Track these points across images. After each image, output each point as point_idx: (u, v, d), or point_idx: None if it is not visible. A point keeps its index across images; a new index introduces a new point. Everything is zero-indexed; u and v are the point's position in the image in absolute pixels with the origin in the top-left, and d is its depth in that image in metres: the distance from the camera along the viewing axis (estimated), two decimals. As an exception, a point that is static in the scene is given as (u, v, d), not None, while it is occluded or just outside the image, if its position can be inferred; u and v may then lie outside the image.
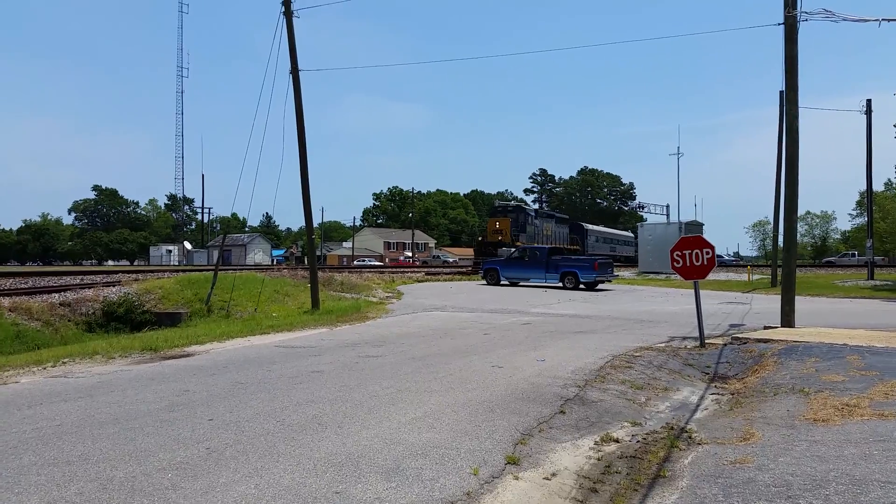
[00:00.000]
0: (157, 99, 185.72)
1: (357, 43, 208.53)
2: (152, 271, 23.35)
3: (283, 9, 17.44)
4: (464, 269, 46.55)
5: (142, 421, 5.81)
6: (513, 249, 39.13)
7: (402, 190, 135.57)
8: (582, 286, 26.66)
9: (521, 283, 28.61)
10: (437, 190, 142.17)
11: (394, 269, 40.31)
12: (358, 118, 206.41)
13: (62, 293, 16.27)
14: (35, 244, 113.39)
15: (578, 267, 27.15)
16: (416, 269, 42.77)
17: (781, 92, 26.33)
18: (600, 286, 27.72)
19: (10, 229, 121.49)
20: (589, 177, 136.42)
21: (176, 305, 17.11)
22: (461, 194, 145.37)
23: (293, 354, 9.99)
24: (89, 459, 4.67)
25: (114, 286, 17.68)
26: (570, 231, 59.82)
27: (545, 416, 6.13)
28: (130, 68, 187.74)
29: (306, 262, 40.30)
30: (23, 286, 16.79)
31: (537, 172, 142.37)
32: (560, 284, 27.13)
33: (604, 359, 9.38)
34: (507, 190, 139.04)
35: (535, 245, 42.00)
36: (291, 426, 5.63)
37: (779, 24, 12.65)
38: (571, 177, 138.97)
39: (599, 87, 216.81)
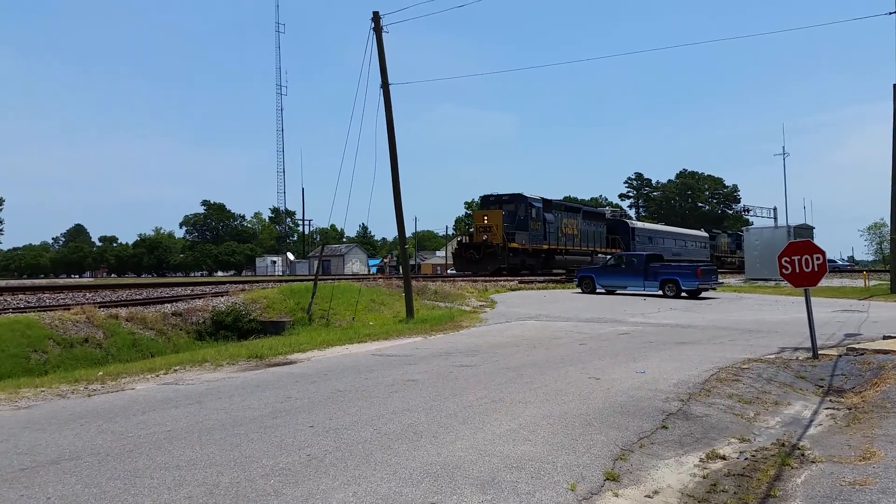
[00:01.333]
0: (257, 117, 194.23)
1: (444, 54, 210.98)
2: (257, 281, 24.34)
3: (373, 25, 17.83)
4: (557, 278, 38.92)
5: (247, 427, 6.03)
6: (609, 257, 34.99)
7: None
8: (683, 294, 25.72)
9: (617, 292, 27.95)
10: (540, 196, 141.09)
11: (487, 278, 35.45)
12: (447, 128, 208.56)
13: (174, 303, 17.20)
14: (150, 257, 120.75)
15: (679, 274, 26.21)
16: (509, 278, 37.00)
17: (895, 85, 24.61)
18: (703, 294, 26.67)
19: (127, 243, 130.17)
20: (688, 180, 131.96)
21: (279, 314, 17.75)
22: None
23: (389, 363, 10.13)
24: (197, 465, 4.88)
25: (222, 296, 18.54)
26: (609, 230, 49.59)
27: (646, 431, 5.92)
28: (232, 89, 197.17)
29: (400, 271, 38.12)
30: (138, 297, 17.88)
31: (633, 176, 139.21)
32: (660, 293, 26.29)
33: (708, 371, 8.99)
34: (601, 195, 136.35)
35: (633, 252, 37.10)
36: (388, 434, 5.70)
37: (890, 14, 11.82)
38: (669, 180, 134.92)
39: (696, 87, 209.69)
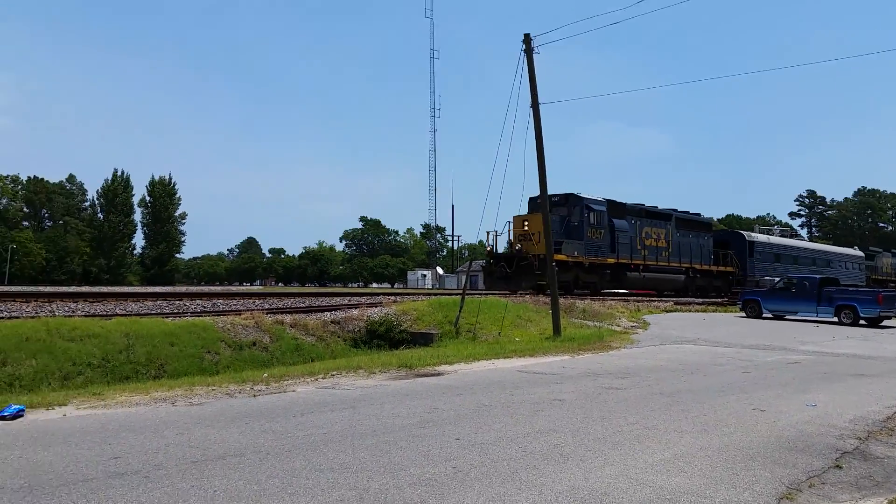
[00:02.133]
0: (411, 138, 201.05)
1: (595, 71, 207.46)
2: (408, 294, 25.10)
3: (524, 47, 17.89)
4: (718, 300, 36.43)
5: (396, 435, 6.17)
6: (776, 280, 29.88)
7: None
8: (862, 322, 23.41)
9: (786, 317, 25.94)
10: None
11: (639, 297, 33.66)
12: (597, 146, 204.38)
13: (333, 312, 18.10)
14: (313, 268, 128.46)
15: (858, 300, 23.90)
16: (663, 298, 34.90)
17: None
18: (884, 322, 24.12)
19: (293, 255, 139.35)
20: (868, 198, 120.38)
21: (428, 326, 18.14)
22: (715, 219, 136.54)
23: (535, 380, 10.00)
24: (349, 469, 5.04)
25: (376, 307, 19.27)
26: (718, 243, 41.19)
27: (816, 470, 5.39)
28: (389, 113, 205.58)
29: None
30: (301, 305, 18.98)
31: (804, 194, 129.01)
32: (834, 319, 24.09)
33: (891, 408, 8.07)
34: (768, 213, 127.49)
35: (805, 275, 30.88)
36: (533, 454, 5.60)
37: None
38: (846, 198, 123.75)
39: (873, 99, 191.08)
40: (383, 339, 17.13)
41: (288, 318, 16.22)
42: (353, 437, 6.10)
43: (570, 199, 31.48)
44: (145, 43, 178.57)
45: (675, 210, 38.33)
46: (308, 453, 5.47)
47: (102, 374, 11.45)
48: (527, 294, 28.11)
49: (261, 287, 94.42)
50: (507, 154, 17.19)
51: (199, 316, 15.44)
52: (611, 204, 33.30)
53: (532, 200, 31.83)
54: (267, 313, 16.24)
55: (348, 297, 22.21)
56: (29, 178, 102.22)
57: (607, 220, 32.40)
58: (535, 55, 17.91)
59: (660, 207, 37.22)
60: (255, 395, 8.41)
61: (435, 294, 25.31)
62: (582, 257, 30.81)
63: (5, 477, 4.70)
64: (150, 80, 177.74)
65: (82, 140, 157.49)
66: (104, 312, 14.94)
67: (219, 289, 44.49)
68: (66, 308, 15.32)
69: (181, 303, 18.31)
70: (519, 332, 18.13)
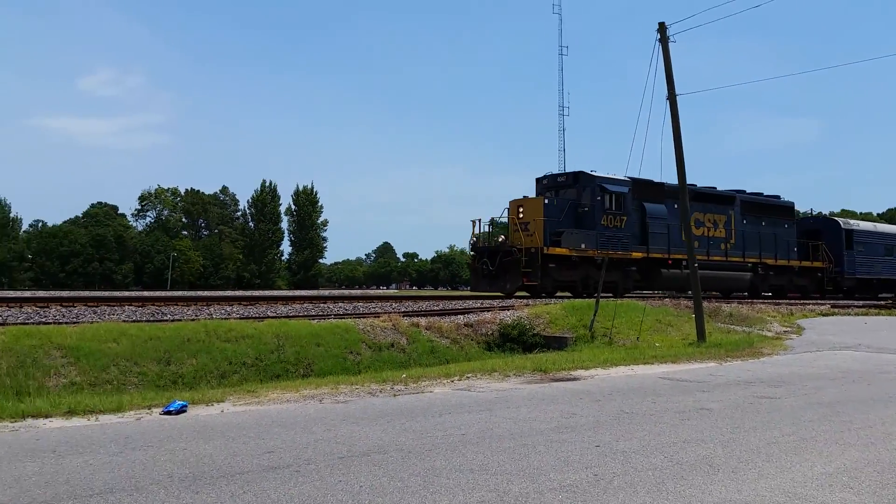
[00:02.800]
0: (539, 138, 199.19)
1: (735, 58, 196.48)
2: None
3: (659, 36, 17.22)
4: (882, 303, 30.85)
5: (533, 439, 6.11)
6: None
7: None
8: None
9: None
10: (842, 210, 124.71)
11: (791, 301, 29.80)
12: (738, 137, 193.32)
13: (465, 315, 18.29)
14: (444, 271, 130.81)
15: None
16: (819, 301, 30.38)
17: None
18: None
19: (426, 259, 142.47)
20: None
21: (562, 330, 17.90)
22: (874, 213, 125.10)
23: (678, 388, 9.59)
24: (488, 470, 5.05)
25: (508, 310, 19.26)
26: (804, 232, 34.53)
27: None
28: (515, 112, 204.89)
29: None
30: (435, 308, 19.34)
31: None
32: None
33: None
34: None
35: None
36: (680, 463, 5.35)
37: None
38: None
39: None
40: (516, 342, 17.08)
41: (423, 321, 16.56)
42: (491, 439, 6.10)
43: (580, 179, 26.14)
44: (278, 58, 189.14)
45: (742, 191, 31.78)
46: (447, 453, 5.54)
47: (255, 373, 12.20)
48: (667, 298, 26.42)
49: (396, 290, 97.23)
50: (643, 150, 16.61)
51: (341, 318, 16.10)
52: (638, 184, 26.99)
53: (539, 182, 27.56)
54: (403, 316, 16.67)
55: (480, 301, 22.35)
56: (187, 190, 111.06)
57: (633, 205, 26.64)
58: (670, 44, 17.24)
59: (720, 188, 30.98)
60: (395, 395, 8.64)
61: (567, 297, 24.92)
62: (592, 251, 25.10)
63: (173, 467, 5.10)
64: (287, 92, 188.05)
65: (233, 153, 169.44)
66: (256, 315, 15.93)
67: (358, 292, 45.99)
68: (223, 311, 16.47)
69: (325, 305, 19.18)
70: (659, 337, 17.48)
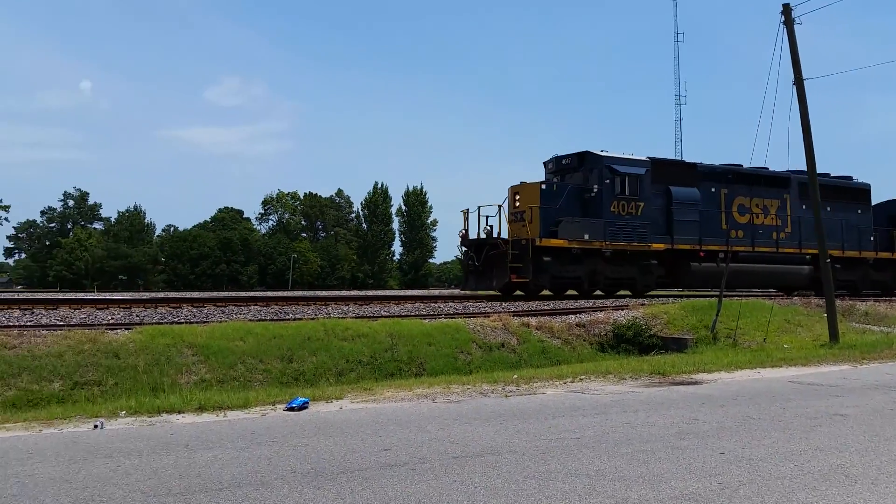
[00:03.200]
0: (653, 129, 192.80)
1: (870, 38, 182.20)
2: (658, 296, 24.06)
3: (783, 18, 16.23)
4: None
5: (653, 445, 5.91)
6: None
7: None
8: None
9: None
10: None
11: None
12: (873, 123, 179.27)
13: (577, 315, 17.98)
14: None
15: None
16: None
17: None
18: None
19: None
20: None
21: (681, 331, 17.24)
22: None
23: (809, 392, 9.00)
24: (605, 476, 4.92)
25: (622, 310, 18.78)
26: (883, 218, 29.57)
27: None
28: (627, 104, 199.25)
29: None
30: (545, 308, 19.13)
31: None
32: None
33: None
34: None
35: None
36: (812, 473, 5.01)
37: None
38: None
39: None
40: (631, 343, 16.62)
41: (533, 321, 16.43)
42: (607, 443, 5.95)
43: (586, 161, 22.87)
44: (387, 58, 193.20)
45: (796, 172, 26.16)
46: (562, 457, 5.45)
47: (371, 371, 12.52)
48: (796, 297, 24.28)
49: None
50: (768, 140, 15.69)
51: (451, 318, 16.26)
52: (661, 165, 23.76)
53: (545, 166, 24.44)
54: (513, 315, 16.61)
55: (593, 300, 21.90)
56: (305, 193, 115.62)
57: (653, 189, 23.21)
58: (795, 26, 16.21)
59: (772, 169, 26.22)
60: (506, 396, 8.61)
61: (687, 296, 23.96)
62: (599, 242, 21.95)
63: (296, 461, 5.30)
64: (397, 92, 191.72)
65: (348, 155, 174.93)
66: (371, 314, 16.37)
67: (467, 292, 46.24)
68: (339, 311, 17.03)
69: (436, 305, 19.44)
70: (787, 338, 16.52)
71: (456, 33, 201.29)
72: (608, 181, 22.36)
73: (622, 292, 24.34)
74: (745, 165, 25.95)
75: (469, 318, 16.17)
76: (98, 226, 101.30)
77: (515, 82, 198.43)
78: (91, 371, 10.52)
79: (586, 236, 21.74)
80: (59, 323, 13.03)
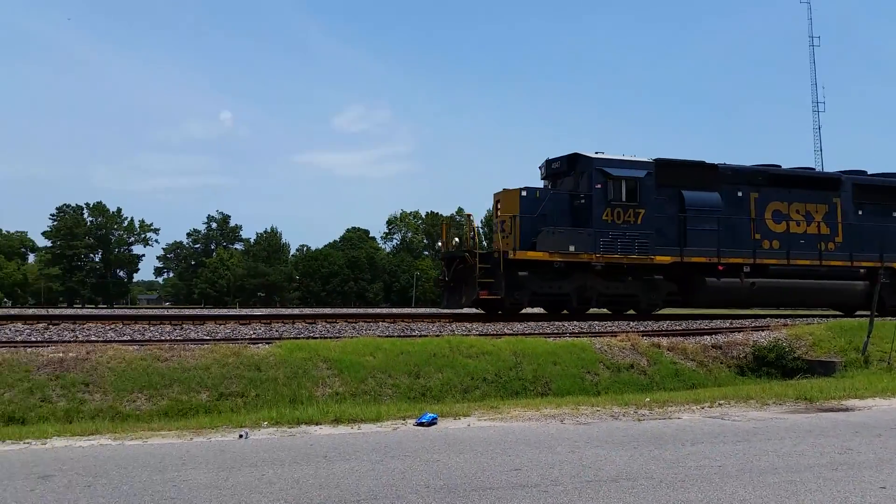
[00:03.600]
0: (788, 139, 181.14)
1: None
2: (801, 316, 22.43)
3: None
4: None
5: (802, 475, 5.51)
6: None
7: None
8: None
9: None
10: None
11: None
12: None
13: (713, 336, 17.13)
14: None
15: None
16: None
17: None
18: None
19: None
20: None
21: (827, 353, 16.03)
22: None
23: None
24: (752, 507, 4.64)
25: (763, 330, 17.70)
26: None
27: None
28: (755, 114, 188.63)
29: None
30: (677, 328, 18.38)
31: None
32: None
33: None
34: None
35: None
36: None
37: None
38: None
39: None
40: (773, 366, 15.60)
41: (664, 341, 15.82)
42: (752, 472, 5.61)
43: (577, 164, 20.31)
44: (493, 76, 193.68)
45: (851, 172, 23.49)
46: (703, 485, 5.18)
47: (495, 389, 12.50)
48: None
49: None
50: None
51: (576, 336, 15.96)
52: (669, 168, 20.77)
53: (540, 171, 21.76)
54: (642, 335, 16.07)
55: (730, 320, 20.78)
56: (427, 212, 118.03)
57: (658, 193, 20.41)
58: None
59: (819, 169, 23.55)
60: (639, 420, 8.33)
61: (833, 316, 22.22)
62: (588, 254, 19.44)
63: (429, 477, 5.37)
64: (506, 106, 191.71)
65: (467, 173, 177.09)
66: (494, 332, 16.37)
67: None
68: (463, 328, 17.17)
69: (560, 323, 19.17)
70: (952, 363, 14.93)
71: (571, 43, 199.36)
72: (599, 186, 19.73)
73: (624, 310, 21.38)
74: (782, 166, 23.24)
75: (595, 336, 15.82)
76: (238, 246, 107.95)
77: (631, 94, 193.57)
78: (235, 383, 11.18)
79: (572, 248, 19.33)
80: (205, 337, 13.98)
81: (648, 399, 9.96)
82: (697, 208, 20.81)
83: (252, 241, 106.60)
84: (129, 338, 13.43)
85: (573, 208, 19.99)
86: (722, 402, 9.72)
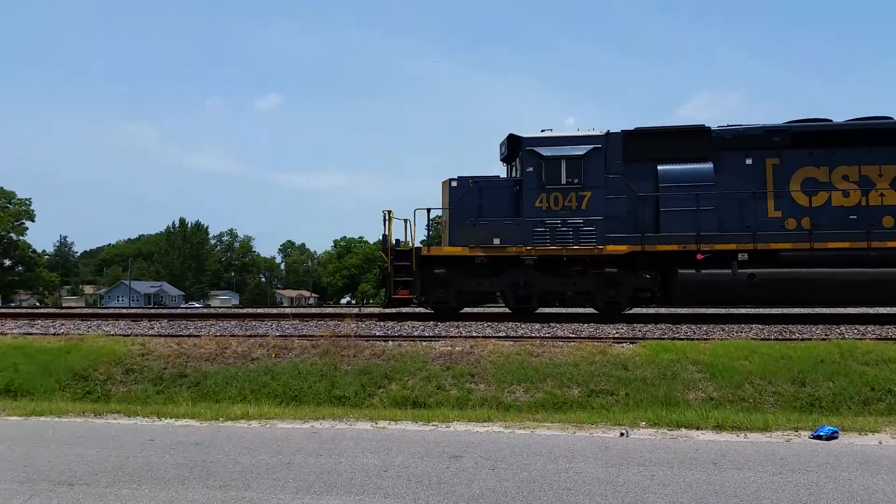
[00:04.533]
0: None
1: None
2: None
3: None
4: None
5: None
6: None
7: None
8: None
9: None
10: None
11: None
12: None
13: None
14: None
15: None
16: None
17: None
18: None
19: None
20: None
21: None
22: None
23: None
24: None
25: None
26: None
27: None
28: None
29: None
30: None
31: None
32: None
33: None
34: None
35: None
36: None
37: None
38: None
39: None
40: None
41: None
42: None
43: (514, 146, 17.31)
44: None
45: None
46: None
47: (905, 403, 10.67)
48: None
49: None
50: None
51: None
52: (636, 137, 16.54)
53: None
54: None
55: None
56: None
57: (612, 170, 16.35)
58: None
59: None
60: None
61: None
62: (517, 247, 16.52)
63: (841, 497, 4.77)
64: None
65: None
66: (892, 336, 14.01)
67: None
68: (854, 330, 15.03)
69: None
70: None
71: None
72: (531, 169, 16.74)
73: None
74: (734, 124, 16.87)
75: None
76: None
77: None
78: (603, 381, 11.32)
79: (496, 241, 16.87)
80: (570, 335, 14.44)
81: None
82: (675, 184, 16.67)
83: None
84: (503, 334, 14.49)
85: (513, 196, 17.35)
86: None
